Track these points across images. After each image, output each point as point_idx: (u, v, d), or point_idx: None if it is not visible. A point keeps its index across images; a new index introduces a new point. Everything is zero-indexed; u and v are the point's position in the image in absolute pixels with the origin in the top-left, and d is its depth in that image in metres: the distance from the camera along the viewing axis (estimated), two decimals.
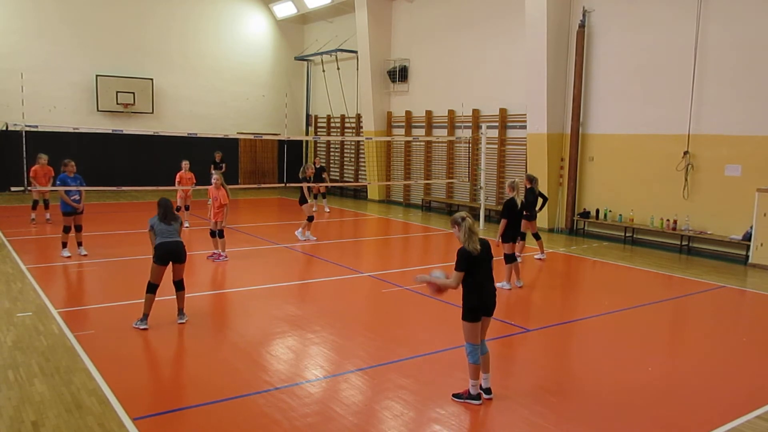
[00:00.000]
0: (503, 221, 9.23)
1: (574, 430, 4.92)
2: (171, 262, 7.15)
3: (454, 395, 5.36)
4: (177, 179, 14.35)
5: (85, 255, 10.78)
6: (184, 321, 7.24)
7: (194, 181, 14.44)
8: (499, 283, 9.11)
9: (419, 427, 4.95)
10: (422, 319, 7.89)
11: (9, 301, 8.07)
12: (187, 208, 14.60)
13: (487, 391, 5.33)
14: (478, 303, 5.16)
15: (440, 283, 5.26)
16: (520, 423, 5.00)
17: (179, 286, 7.29)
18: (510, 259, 9.29)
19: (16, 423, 4.77)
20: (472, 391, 5.27)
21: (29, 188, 13.43)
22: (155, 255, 7.10)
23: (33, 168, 13.57)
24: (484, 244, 5.26)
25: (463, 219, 5.24)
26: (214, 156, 17.50)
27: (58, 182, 10.64)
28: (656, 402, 5.46)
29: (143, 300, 7.07)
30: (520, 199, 9.41)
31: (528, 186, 11.40)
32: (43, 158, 13.71)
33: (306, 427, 4.81)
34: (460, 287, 5.21)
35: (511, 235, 9.30)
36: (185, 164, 14.48)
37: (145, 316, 7.05)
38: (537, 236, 11.74)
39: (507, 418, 5.09)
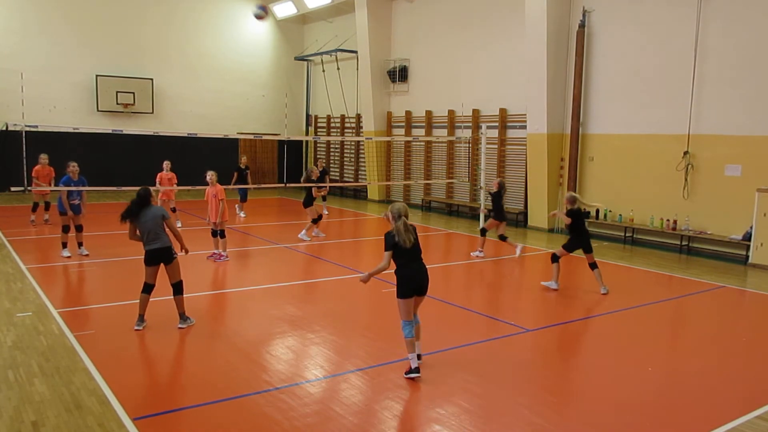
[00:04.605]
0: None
1: (574, 430, 4.92)
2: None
3: (405, 373, 5.78)
4: (157, 180, 13.85)
5: (86, 255, 10.78)
6: (184, 326, 7.08)
7: (175, 182, 14.04)
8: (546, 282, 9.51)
9: (419, 427, 4.95)
10: (421, 319, 7.86)
11: (9, 301, 8.07)
12: (174, 210, 14.13)
13: (419, 356, 5.83)
14: (408, 276, 5.69)
15: (375, 270, 5.83)
16: (520, 423, 5.01)
17: (175, 289, 7.11)
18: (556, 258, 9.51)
19: (16, 423, 4.77)
20: (412, 365, 5.74)
21: (29, 188, 13.44)
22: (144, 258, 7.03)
23: (35, 168, 13.61)
24: (412, 230, 5.77)
25: (399, 216, 5.75)
26: (239, 160, 17.26)
27: (60, 184, 10.63)
28: (656, 402, 5.46)
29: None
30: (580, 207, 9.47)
31: (494, 190, 11.78)
32: (44, 158, 13.72)
33: (306, 427, 4.81)
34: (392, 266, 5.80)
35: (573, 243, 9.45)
36: (166, 164, 14.11)
37: (140, 317, 7.03)
38: (503, 238, 11.93)
39: (507, 418, 5.09)
